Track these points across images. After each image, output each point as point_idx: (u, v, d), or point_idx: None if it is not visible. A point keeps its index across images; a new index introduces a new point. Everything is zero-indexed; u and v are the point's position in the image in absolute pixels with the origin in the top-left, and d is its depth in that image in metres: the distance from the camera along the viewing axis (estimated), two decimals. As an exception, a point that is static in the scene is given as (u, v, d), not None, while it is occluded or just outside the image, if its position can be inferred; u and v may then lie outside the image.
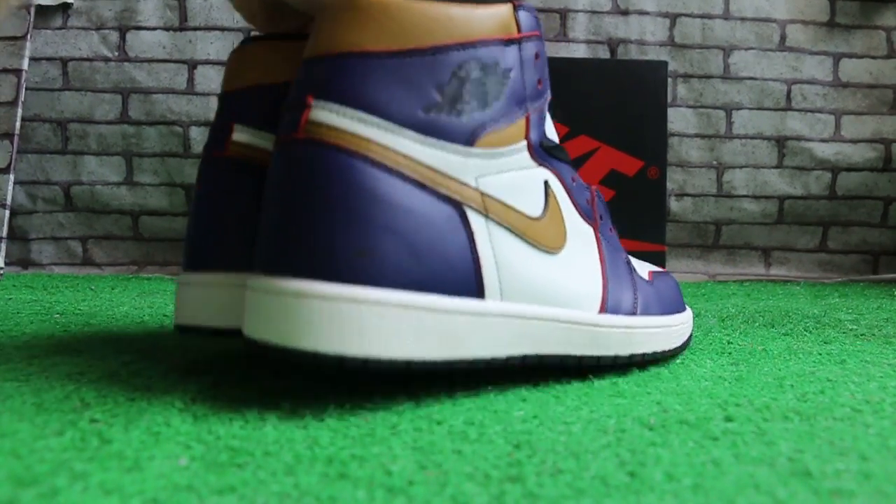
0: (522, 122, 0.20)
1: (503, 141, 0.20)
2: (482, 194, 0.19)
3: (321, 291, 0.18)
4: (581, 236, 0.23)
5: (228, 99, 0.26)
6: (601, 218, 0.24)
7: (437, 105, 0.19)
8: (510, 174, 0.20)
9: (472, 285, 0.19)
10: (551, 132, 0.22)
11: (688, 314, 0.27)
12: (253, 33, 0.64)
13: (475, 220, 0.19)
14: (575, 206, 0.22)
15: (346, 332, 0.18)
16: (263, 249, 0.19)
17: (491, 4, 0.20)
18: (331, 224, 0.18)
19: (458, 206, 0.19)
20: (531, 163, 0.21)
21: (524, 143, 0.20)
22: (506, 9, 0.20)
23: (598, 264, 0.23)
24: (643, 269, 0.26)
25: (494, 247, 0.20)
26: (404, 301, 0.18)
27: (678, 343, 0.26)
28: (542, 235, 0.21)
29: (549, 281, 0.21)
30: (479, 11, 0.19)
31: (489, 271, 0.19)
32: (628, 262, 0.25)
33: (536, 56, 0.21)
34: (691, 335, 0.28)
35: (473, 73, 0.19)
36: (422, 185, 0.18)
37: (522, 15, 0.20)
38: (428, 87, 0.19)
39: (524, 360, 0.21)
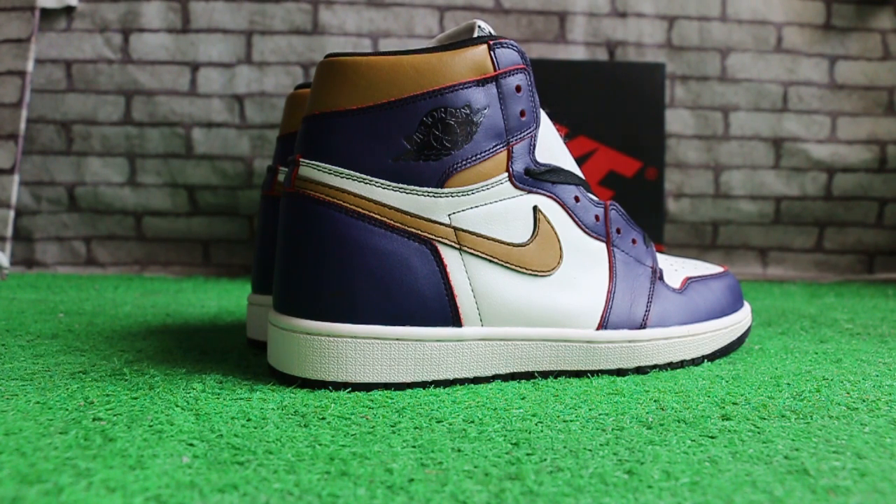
0: (503, 155, 0.21)
1: (479, 177, 0.21)
2: (456, 229, 0.21)
3: (305, 327, 0.21)
4: (585, 254, 0.23)
5: (280, 142, 0.29)
6: (619, 232, 0.24)
7: (406, 153, 0.20)
8: (487, 207, 0.21)
9: (446, 314, 0.21)
10: (551, 156, 0.23)
11: (733, 317, 0.26)
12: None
13: (448, 255, 0.21)
14: (578, 224, 0.23)
15: (326, 362, 0.21)
16: (273, 288, 0.22)
17: (466, 48, 0.21)
18: (313, 269, 0.21)
19: (430, 243, 0.21)
20: (515, 192, 0.21)
21: (505, 175, 0.21)
22: (481, 49, 0.21)
23: (605, 280, 0.23)
24: (678, 276, 0.26)
25: (471, 277, 0.21)
26: (376, 333, 0.21)
27: (711, 349, 0.25)
28: (528, 260, 0.22)
29: (536, 303, 0.22)
30: (447, 57, 0.20)
31: (465, 300, 0.21)
32: (652, 273, 0.24)
33: (518, 89, 0.21)
34: (743, 336, 0.27)
35: (441, 119, 0.20)
36: (392, 228, 0.20)
37: (500, 52, 0.21)
38: (397, 137, 0.20)
39: (513, 376, 0.22)
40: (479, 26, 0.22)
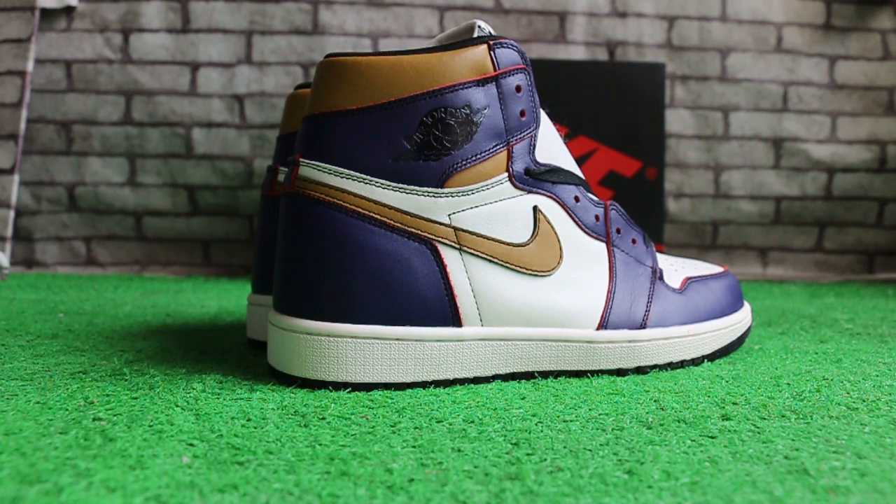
0: (503, 155, 0.21)
1: (479, 177, 0.21)
2: (456, 229, 0.21)
3: (305, 327, 0.21)
4: (585, 254, 0.23)
5: (280, 142, 0.29)
6: (619, 232, 0.24)
7: (406, 153, 0.20)
8: (488, 207, 0.21)
9: (446, 314, 0.21)
10: (551, 156, 0.23)
11: (733, 317, 0.26)
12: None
13: (448, 255, 0.21)
14: (578, 224, 0.23)
15: (326, 362, 0.21)
16: (273, 288, 0.22)
17: (466, 48, 0.21)
18: (313, 269, 0.21)
19: (430, 243, 0.21)
20: (515, 192, 0.21)
21: (504, 175, 0.21)
22: (481, 49, 0.21)
23: (605, 280, 0.23)
24: (678, 276, 0.26)
25: (471, 277, 0.21)
26: (376, 333, 0.21)
27: (711, 349, 0.25)
28: (527, 260, 0.22)
29: (536, 303, 0.22)
30: (447, 57, 0.20)
31: (465, 300, 0.21)
32: (652, 273, 0.24)
33: (518, 89, 0.21)
34: (743, 336, 0.27)
35: (441, 119, 0.20)
36: (392, 228, 0.20)
37: (500, 52, 0.21)
38: (397, 137, 0.20)
39: (513, 376, 0.22)
40: (479, 26, 0.22)
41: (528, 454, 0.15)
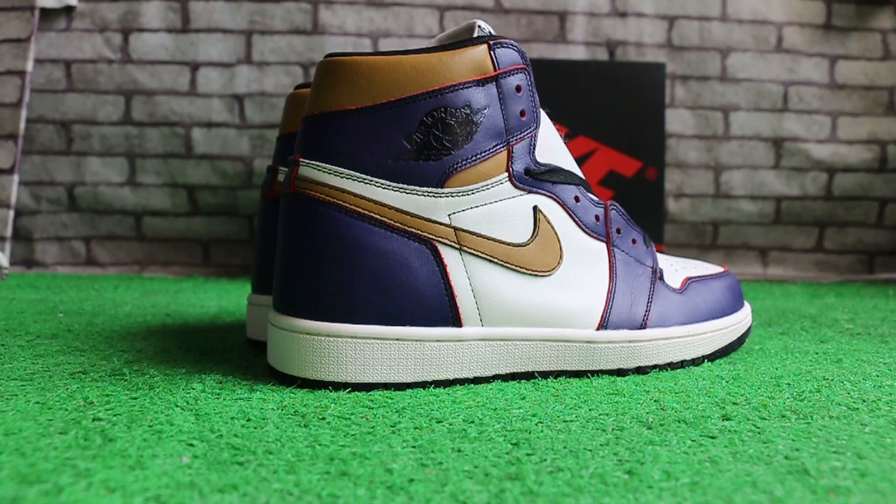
0: (503, 155, 0.21)
1: (479, 177, 0.21)
2: (456, 229, 0.21)
3: (305, 327, 0.21)
4: (585, 254, 0.23)
5: (280, 142, 0.29)
6: (619, 232, 0.24)
7: (406, 153, 0.20)
8: (488, 207, 0.21)
9: (446, 314, 0.21)
10: (551, 156, 0.23)
11: (733, 318, 0.26)
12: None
13: (448, 255, 0.21)
14: (578, 224, 0.23)
15: (326, 362, 0.21)
16: (273, 288, 0.22)
17: (466, 48, 0.21)
18: (313, 269, 0.21)
19: (429, 243, 0.21)
20: (515, 192, 0.21)
21: (505, 175, 0.21)
22: (481, 49, 0.21)
23: (605, 280, 0.23)
24: (678, 276, 0.26)
25: (471, 277, 0.21)
26: (376, 333, 0.21)
27: (711, 349, 0.25)
28: (528, 260, 0.22)
29: (536, 303, 0.22)
30: (447, 57, 0.20)
31: (465, 300, 0.21)
32: (653, 273, 0.24)
33: (518, 89, 0.21)
34: (743, 336, 0.27)
35: (441, 119, 0.20)
36: (392, 228, 0.20)
37: (500, 52, 0.21)
38: (397, 137, 0.20)
39: (513, 376, 0.22)
40: (479, 26, 0.22)
41: (528, 454, 0.15)
